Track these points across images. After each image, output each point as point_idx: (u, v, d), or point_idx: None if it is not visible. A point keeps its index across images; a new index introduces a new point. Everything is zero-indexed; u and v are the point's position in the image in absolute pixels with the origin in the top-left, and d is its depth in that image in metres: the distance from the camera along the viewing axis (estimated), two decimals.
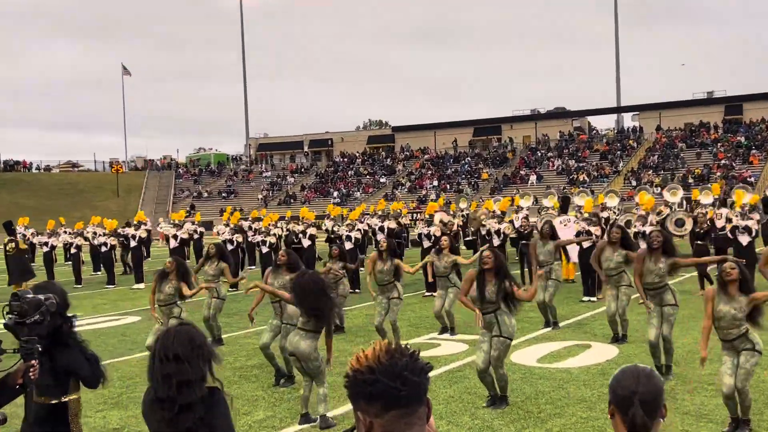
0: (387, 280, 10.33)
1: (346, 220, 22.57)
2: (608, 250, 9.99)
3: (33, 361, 3.37)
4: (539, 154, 60.63)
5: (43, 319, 3.41)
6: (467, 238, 20.09)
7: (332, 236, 17.60)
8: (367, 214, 27.52)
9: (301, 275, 6.77)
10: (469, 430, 6.57)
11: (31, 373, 3.37)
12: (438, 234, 15.58)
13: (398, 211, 27.03)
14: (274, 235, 20.58)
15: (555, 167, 57.33)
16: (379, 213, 21.41)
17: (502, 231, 15.96)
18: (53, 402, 3.99)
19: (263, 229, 20.10)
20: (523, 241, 16.07)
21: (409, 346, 1.77)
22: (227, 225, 23.87)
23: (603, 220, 16.89)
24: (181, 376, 2.82)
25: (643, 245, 10.76)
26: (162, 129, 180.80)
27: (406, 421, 1.71)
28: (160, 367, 2.86)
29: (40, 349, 3.41)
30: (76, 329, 4.07)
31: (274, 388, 8.33)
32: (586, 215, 16.47)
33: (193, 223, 26.09)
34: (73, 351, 3.98)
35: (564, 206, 18.27)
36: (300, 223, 20.48)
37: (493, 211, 21.56)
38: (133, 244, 20.53)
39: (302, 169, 70.01)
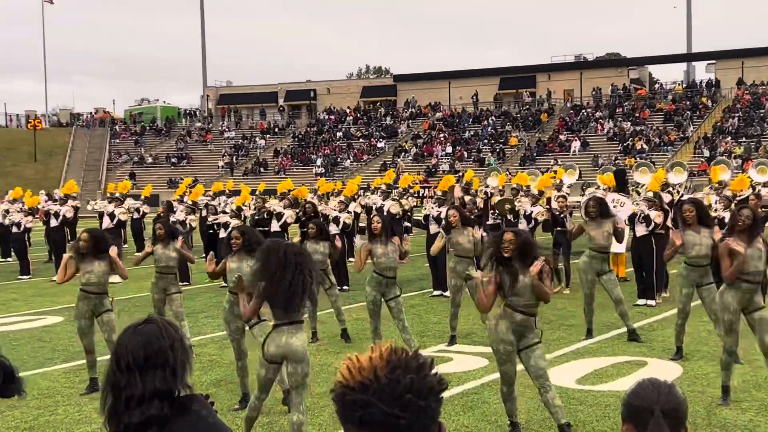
0: (392, 267, 10.37)
1: (338, 196, 22.47)
2: (691, 234, 9.93)
3: None
4: (585, 114, 60.59)
5: None
6: (488, 222, 20.03)
7: (304, 217, 17.48)
8: (364, 188, 27.47)
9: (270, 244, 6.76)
10: None
11: None
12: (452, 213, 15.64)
13: (408, 187, 26.92)
14: (241, 216, 20.50)
15: (605, 131, 57.32)
16: (383, 187, 21.29)
17: (533, 216, 15.94)
18: None
19: (235, 209, 20.02)
20: (559, 228, 16.02)
21: (420, 354, 1.76)
22: (181, 201, 23.79)
23: (665, 202, 16.88)
24: (129, 390, 2.87)
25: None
26: (94, 74, 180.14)
27: None
28: (111, 377, 2.94)
29: None
30: None
31: (236, 412, 8.37)
32: (649, 194, 16.41)
33: (137, 198, 25.98)
34: None
35: (620, 183, 18.25)
36: (282, 198, 20.36)
37: (527, 188, 21.55)
38: (53, 223, 20.50)
39: (276, 129, 69.98)
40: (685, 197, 19.19)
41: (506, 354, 7.21)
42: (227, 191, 29.25)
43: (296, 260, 6.44)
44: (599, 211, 11.76)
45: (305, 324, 6.95)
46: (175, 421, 2.94)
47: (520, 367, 7.32)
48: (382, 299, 10.45)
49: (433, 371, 1.77)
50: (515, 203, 17.48)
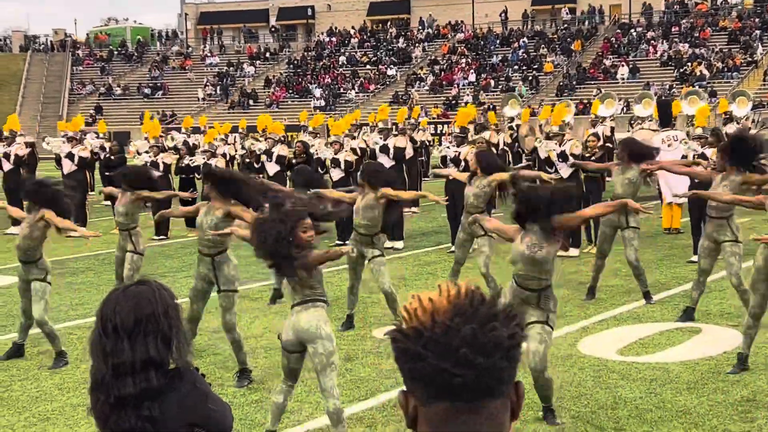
0: (368, 226, 10.37)
1: (328, 136, 22.44)
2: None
3: None
4: (634, 34, 60.01)
5: None
6: (521, 164, 19.88)
7: (296, 161, 17.41)
8: (365, 124, 27.38)
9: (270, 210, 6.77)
10: None
11: None
12: (471, 158, 15.53)
13: (416, 121, 26.85)
14: (224, 156, 20.42)
15: (658, 54, 56.81)
16: (381, 125, 21.15)
17: (568, 153, 15.77)
18: None
19: (206, 147, 20.03)
20: (589, 173, 15.89)
21: (497, 301, 1.71)
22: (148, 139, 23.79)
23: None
24: (116, 357, 3.02)
25: None
26: None
27: (465, 420, 1.68)
28: (97, 341, 3.08)
29: None
30: None
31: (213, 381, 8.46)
32: (699, 131, 16.32)
33: (97, 135, 26.02)
34: None
35: (664, 116, 18.13)
36: (262, 137, 20.40)
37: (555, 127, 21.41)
38: (7, 166, 20.52)
39: (267, 54, 69.59)
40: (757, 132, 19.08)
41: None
42: (202, 128, 29.28)
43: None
44: (627, 153, 11.80)
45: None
46: (167, 393, 3.06)
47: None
48: (362, 262, 10.54)
49: (510, 324, 1.71)
50: (537, 145, 17.30)
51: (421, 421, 1.71)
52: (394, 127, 20.88)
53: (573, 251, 15.05)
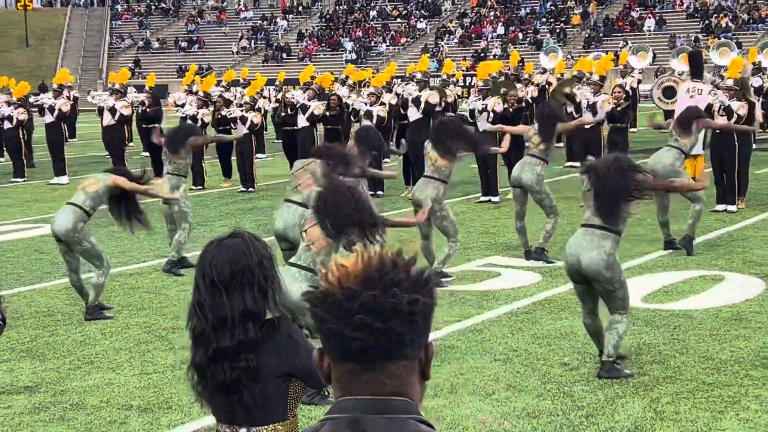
0: None
1: (366, 87, 22.29)
2: None
3: None
4: None
5: None
6: None
7: (329, 113, 17.33)
8: (400, 77, 27.23)
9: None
10: (538, 397, 6.70)
11: None
12: (499, 109, 15.38)
13: (448, 76, 26.62)
14: (260, 110, 20.33)
15: (684, 5, 55.98)
16: (418, 76, 20.94)
17: (598, 105, 15.62)
18: None
19: (247, 100, 19.93)
20: (617, 124, 15.73)
21: (409, 267, 1.71)
22: (190, 91, 23.76)
23: (752, 90, 16.54)
24: (216, 311, 3.06)
25: None
26: None
27: (366, 379, 1.72)
28: (196, 294, 3.12)
29: None
30: None
31: None
32: (729, 82, 16.08)
33: (142, 90, 25.98)
34: None
35: (695, 68, 17.89)
36: (302, 88, 20.32)
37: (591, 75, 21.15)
38: (49, 119, 20.63)
39: (300, 8, 69.20)
40: None
41: None
42: (242, 81, 29.15)
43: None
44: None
45: None
46: (264, 344, 3.12)
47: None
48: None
49: (415, 290, 1.70)
50: (574, 91, 17.17)
51: (333, 377, 1.76)
52: (431, 79, 20.71)
53: None
